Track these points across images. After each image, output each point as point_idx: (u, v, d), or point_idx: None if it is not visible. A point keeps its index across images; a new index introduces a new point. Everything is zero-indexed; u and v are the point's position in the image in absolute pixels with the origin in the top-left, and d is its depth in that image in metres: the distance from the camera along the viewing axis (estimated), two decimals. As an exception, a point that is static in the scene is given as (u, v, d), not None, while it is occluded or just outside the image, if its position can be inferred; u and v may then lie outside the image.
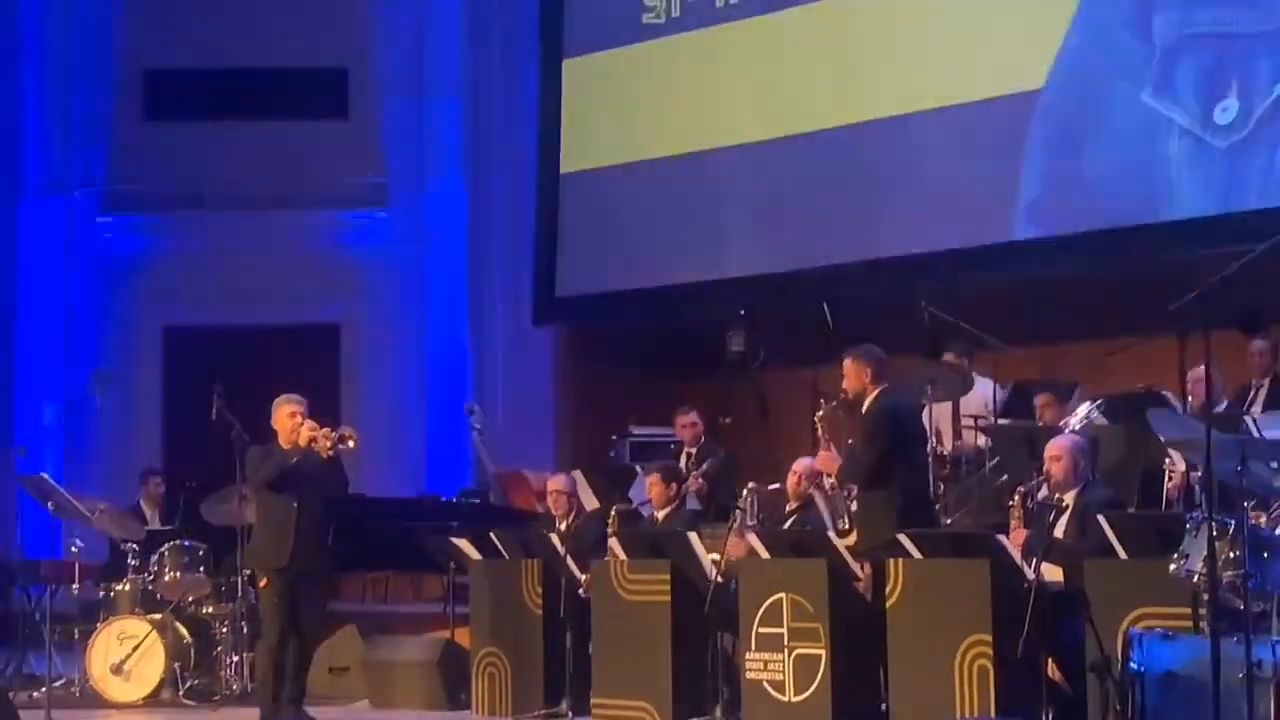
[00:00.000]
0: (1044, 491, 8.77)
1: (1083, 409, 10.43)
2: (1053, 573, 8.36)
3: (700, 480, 12.30)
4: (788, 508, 10.23)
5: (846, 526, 9.65)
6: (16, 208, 17.48)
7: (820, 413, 9.81)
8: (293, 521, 10.04)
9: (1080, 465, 8.67)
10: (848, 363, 9.44)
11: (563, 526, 10.92)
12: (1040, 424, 10.84)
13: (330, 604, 11.40)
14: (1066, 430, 10.11)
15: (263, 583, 10.28)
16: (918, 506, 9.29)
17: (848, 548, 9.25)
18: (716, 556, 9.71)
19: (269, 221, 17.56)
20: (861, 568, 9.17)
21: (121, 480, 16.09)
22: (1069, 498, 8.61)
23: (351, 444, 10.11)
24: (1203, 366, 9.74)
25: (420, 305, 17.57)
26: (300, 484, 10.05)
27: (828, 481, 9.71)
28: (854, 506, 9.72)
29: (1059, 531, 8.53)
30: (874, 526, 9.12)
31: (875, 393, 9.36)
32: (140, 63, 17.81)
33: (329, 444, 10.03)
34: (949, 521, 10.56)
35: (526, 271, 16.98)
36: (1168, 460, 9.52)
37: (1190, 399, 9.73)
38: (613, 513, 10.60)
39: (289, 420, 10.15)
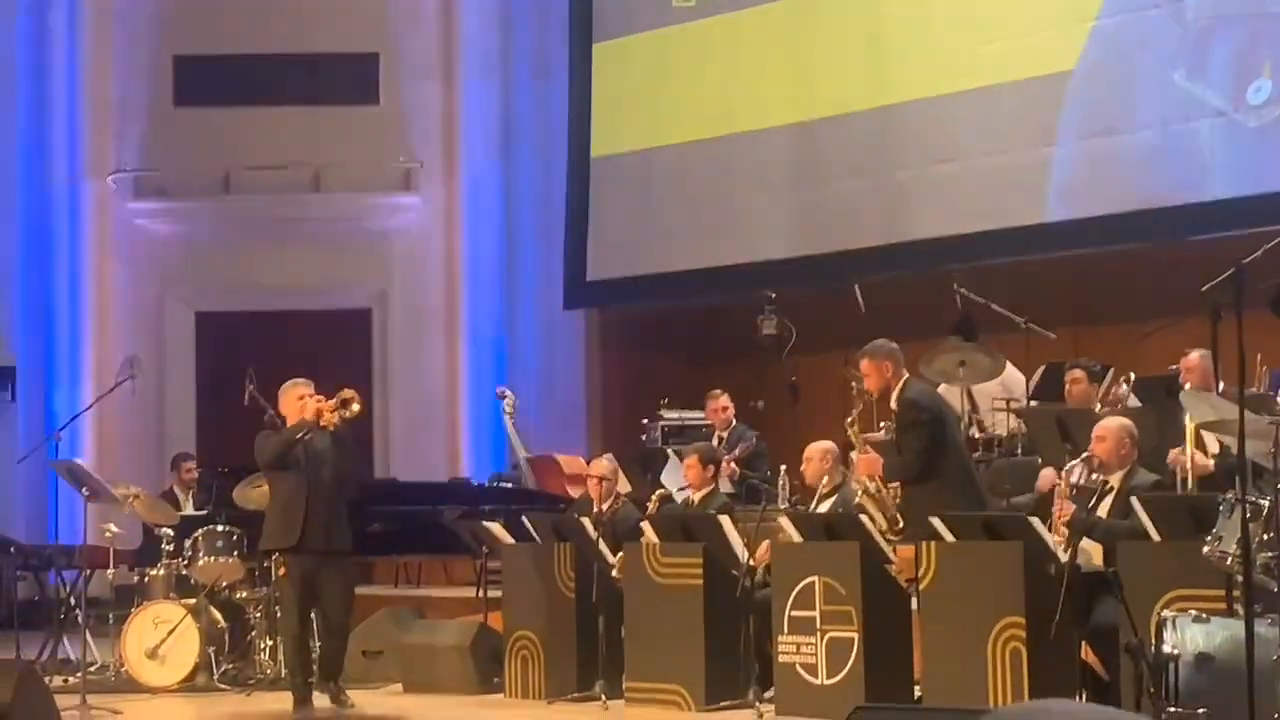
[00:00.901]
0: (1079, 471, 8.75)
1: (1123, 389, 10.40)
2: (1094, 552, 8.36)
3: (733, 465, 12.30)
4: (819, 492, 10.20)
5: (901, 526, 9.56)
6: (49, 194, 17.54)
7: (850, 418, 9.77)
8: (303, 500, 10.11)
9: (1127, 447, 8.63)
10: (865, 363, 9.42)
11: (596, 510, 10.89)
12: (1069, 402, 10.81)
13: (357, 582, 11.42)
14: (1097, 411, 10.08)
15: (281, 571, 10.34)
16: (966, 491, 9.24)
17: (883, 532, 9.24)
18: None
19: (301, 207, 17.62)
20: (894, 550, 9.15)
21: (155, 465, 16.17)
22: (1115, 479, 8.59)
23: (356, 407, 10.17)
24: (1196, 353, 9.74)
25: (452, 289, 17.58)
26: (309, 461, 10.12)
27: (871, 484, 9.64)
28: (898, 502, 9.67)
29: (1102, 512, 8.51)
30: (923, 517, 9.08)
31: (900, 384, 9.33)
32: (172, 48, 17.84)
33: (331, 412, 10.08)
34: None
35: (558, 255, 16.99)
36: (1177, 450, 9.48)
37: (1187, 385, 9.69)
38: (654, 498, 10.60)
39: (297, 403, 10.22)
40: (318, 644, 10.59)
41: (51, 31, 17.50)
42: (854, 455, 9.81)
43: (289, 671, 10.53)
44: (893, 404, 9.41)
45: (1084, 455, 8.66)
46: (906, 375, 9.44)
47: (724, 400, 12.84)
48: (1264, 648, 6.58)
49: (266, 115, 17.64)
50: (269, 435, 10.32)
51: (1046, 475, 9.81)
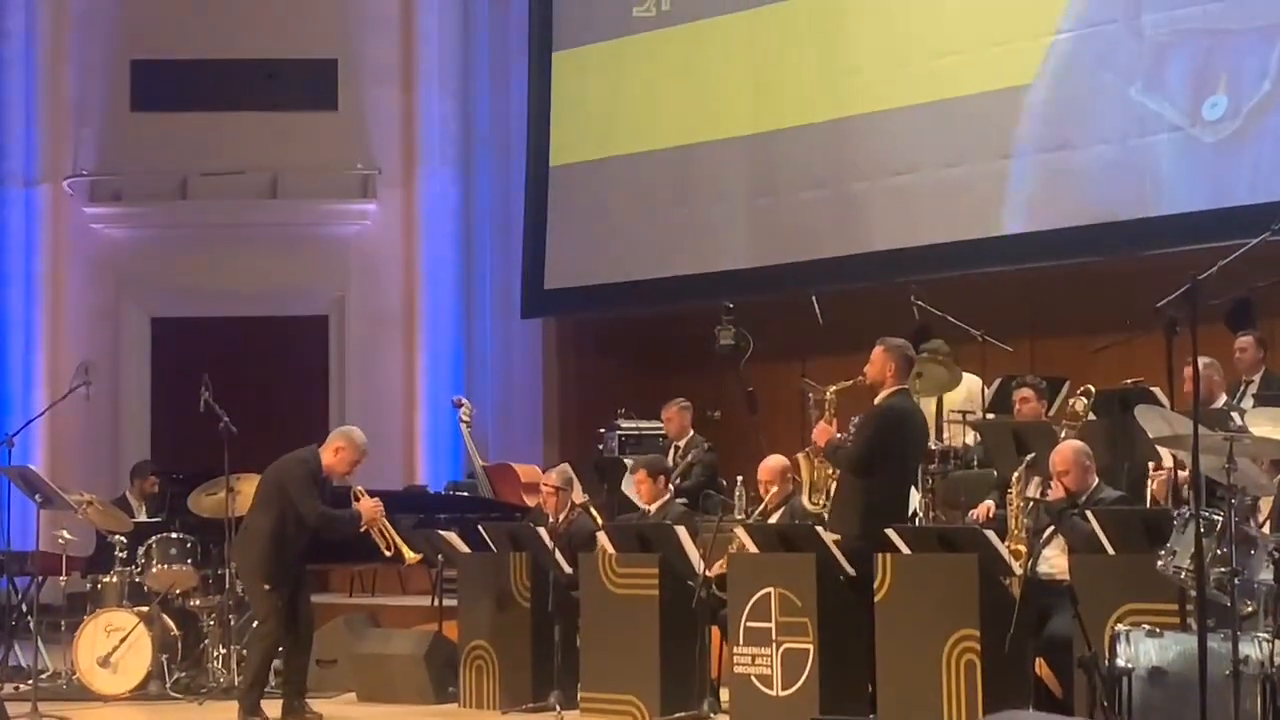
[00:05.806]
0: (1036, 484, 8.84)
1: (1082, 404, 10.43)
2: (1059, 567, 8.41)
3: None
4: (766, 505, 10.19)
5: (821, 502, 9.66)
6: (5, 197, 17.43)
7: (836, 387, 9.73)
8: (300, 546, 10.04)
9: (1086, 468, 8.69)
10: (878, 350, 9.35)
11: (552, 521, 10.88)
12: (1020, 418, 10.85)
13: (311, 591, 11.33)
14: (1053, 427, 10.13)
15: (265, 585, 10.13)
16: (891, 506, 9.23)
17: (837, 542, 9.26)
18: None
19: (258, 212, 17.54)
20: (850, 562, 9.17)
21: (109, 471, 16.08)
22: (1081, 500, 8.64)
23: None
24: (1202, 361, 9.79)
25: (409, 297, 17.53)
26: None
27: (816, 456, 9.72)
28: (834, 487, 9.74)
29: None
30: (843, 512, 9.16)
31: (893, 389, 9.30)
32: (129, 53, 17.76)
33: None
34: (935, 514, 10.59)
35: (516, 263, 16.98)
36: (1152, 464, 9.54)
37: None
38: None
39: (344, 460, 10.12)
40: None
41: (8, 34, 17.39)
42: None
43: (250, 683, 10.18)
44: (875, 400, 9.40)
45: (1042, 493, 8.76)
46: (903, 386, 9.39)
47: (674, 410, 12.82)
48: (1217, 662, 6.61)
49: (224, 120, 17.56)
50: (310, 480, 10.07)
51: (982, 508, 9.91)
